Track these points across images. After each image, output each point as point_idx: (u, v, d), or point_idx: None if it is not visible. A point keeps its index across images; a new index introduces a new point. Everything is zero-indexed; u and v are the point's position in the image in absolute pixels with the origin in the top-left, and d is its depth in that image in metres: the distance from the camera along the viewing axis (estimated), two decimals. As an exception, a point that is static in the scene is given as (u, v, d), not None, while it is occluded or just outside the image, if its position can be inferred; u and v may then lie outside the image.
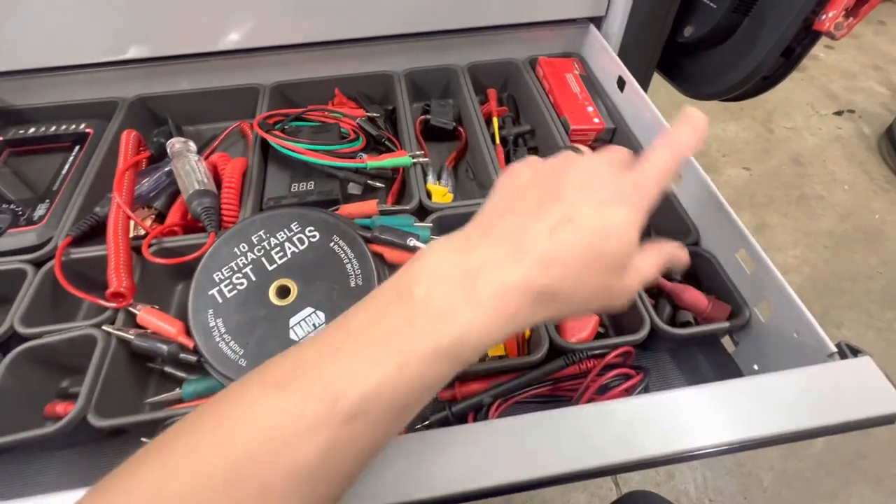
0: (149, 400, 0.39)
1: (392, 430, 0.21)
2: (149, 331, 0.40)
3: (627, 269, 0.25)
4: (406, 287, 0.22)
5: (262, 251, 0.41)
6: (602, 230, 0.23)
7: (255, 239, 0.41)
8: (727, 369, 0.43)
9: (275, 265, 0.40)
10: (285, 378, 0.20)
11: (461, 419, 0.39)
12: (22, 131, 0.57)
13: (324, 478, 0.18)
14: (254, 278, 0.40)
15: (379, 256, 0.43)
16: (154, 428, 0.35)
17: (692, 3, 0.59)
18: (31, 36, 0.56)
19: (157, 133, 0.60)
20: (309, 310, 0.39)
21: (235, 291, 0.39)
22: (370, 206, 0.47)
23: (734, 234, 0.41)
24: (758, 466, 0.94)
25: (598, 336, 0.43)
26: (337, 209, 0.47)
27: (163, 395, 0.38)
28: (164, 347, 0.37)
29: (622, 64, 0.56)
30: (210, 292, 0.39)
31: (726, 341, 0.45)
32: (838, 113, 1.70)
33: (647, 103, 0.52)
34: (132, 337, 0.38)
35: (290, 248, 0.41)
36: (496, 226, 0.24)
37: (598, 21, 0.64)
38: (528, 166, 0.28)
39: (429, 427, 0.39)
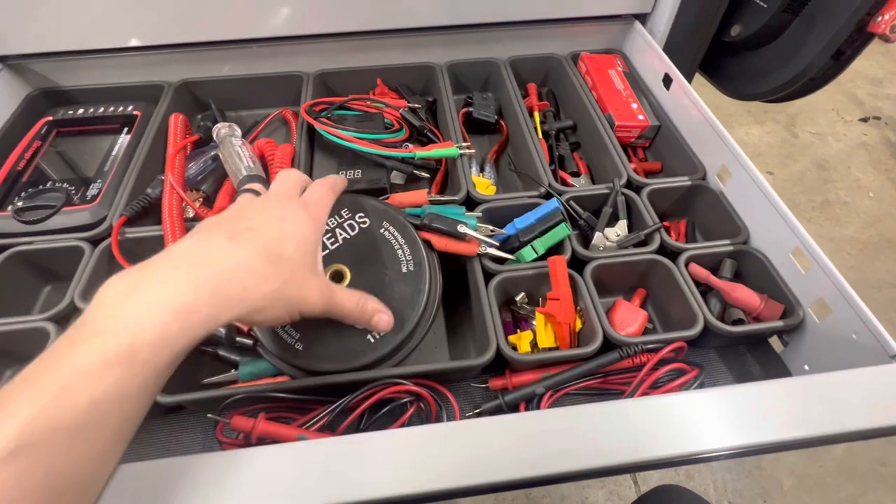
0: (206, 380, 0.39)
1: (91, 449, 0.20)
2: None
3: (318, 277, 0.30)
4: (80, 321, 0.23)
5: None
6: (280, 235, 0.29)
7: None
8: (775, 368, 0.43)
9: (327, 251, 0.41)
10: None
11: (513, 408, 0.39)
12: (70, 112, 0.58)
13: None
14: None
15: (427, 243, 0.43)
16: (212, 405, 0.36)
17: (741, 2, 0.58)
18: (79, 18, 0.57)
19: (202, 118, 0.61)
20: (364, 295, 0.39)
21: None
22: (420, 195, 0.47)
23: (789, 234, 0.41)
24: (778, 470, 0.94)
25: (646, 332, 0.44)
26: (386, 198, 0.47)
27: (220, 376, 0.39)
28: (223, 331, 0.38)
29: (669, 61, 0.56)
30: None
31: (773, 341, 0.45)
32: (864, 119, 1.68)
33: (696, 101, 0.52)
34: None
35: (341, 234, 0.42)
36: (176, 247, 0.26)
37: (642, 18, 0.63)
38: (213, 217, 0.31)
39: (480, 415, 0.39)
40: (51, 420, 0.19)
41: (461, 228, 0.42)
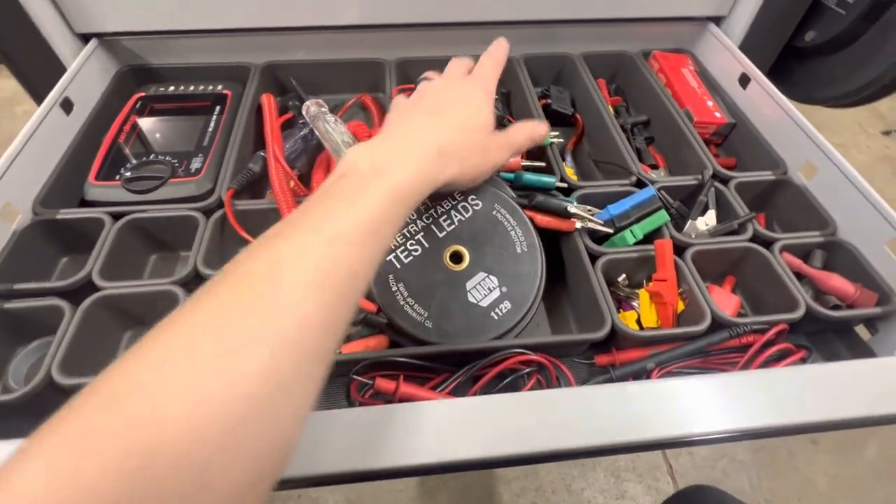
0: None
1: (366, 253, 0.26)
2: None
3: (496, 136, 0.37)
4: (351, 168, 0.29)
5: (431, 219, 0.43)
6: (466, 114, 0.35)
7: (422, 207, 0.43)
8: (864, 355, 0.44)
9: (444, 232, 0.42)
10: (281, 231, 0.25)
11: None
12: (162, 89, 0.59)
13: (320, 287, 0.23)
14: (427, 245, 0.42)
15: (530, 220, 0.44)
16: (341, 368, 0.37)
17: (818, 9, 0.60)
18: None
19: (287, 97, 0.62)
20: (482, 274, 0.41)
21: (412, 258, 0.41)
22: (515, 160, 0.49)
23: (884, 225, 0.43)
24: (812, 471, 0.96)
25: (739, 317, 0.45)
26: None
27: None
28: (360, 315, 0.39)
29: (749, 62, 0.58)
30: (388, 258, 0.41)
31: (860, 330, 0.46)
32: (886, 133, 1.72)
33: (780, 100, 0.54)
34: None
35: (456, 216, 0.43)
36: (392, 126, 0.35)
37: (716, 20, 0.65)
38: (403, 97, 0.40)
39: (590, 389, 0.41)
40: (357, 225, 0.26)
41: (571, 209, 0.44)
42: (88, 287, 0.41)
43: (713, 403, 0.31)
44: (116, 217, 0.46)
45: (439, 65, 0.66)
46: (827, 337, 0.46)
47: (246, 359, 0.19)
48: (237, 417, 0.18)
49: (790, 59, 0.66)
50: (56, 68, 0.55)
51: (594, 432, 0.29)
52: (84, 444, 0.16)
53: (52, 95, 0.50)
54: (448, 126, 0.34)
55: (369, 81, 0.65)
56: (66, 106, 0.52)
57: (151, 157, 0.51)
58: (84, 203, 0.49)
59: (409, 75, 0.66)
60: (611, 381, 0.40)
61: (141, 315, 0.43)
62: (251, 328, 0.20)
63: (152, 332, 0.20)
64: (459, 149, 0.33)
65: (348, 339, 0.40)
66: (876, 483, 0.95)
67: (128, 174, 0.49)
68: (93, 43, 0.58)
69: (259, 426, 0.19)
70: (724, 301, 0.44)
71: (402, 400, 0.34)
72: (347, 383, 0.36)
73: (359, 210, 0.26)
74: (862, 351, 0.45)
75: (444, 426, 0.29)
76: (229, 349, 0.19)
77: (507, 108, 0.64)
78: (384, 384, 0.34)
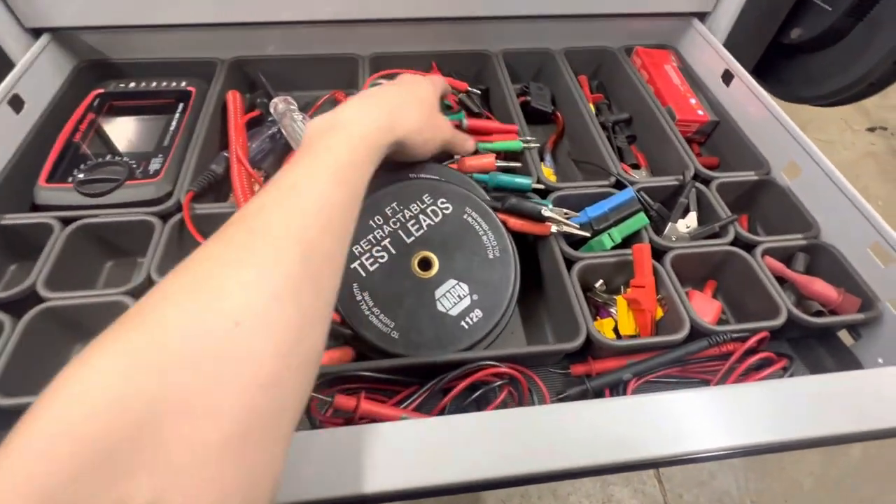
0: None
1: (336, 196, 0.27)
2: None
3: (442, 116, 0.42)
4: (311, 133, 0.31)
5: (398, 224, 0.41)
6: (415, 90, 0.39)
7: (388, 211, 0.41)
8: (847, 361, 0.43)
9: (412, 238, 0.40)
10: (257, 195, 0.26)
11: (598, 394, 0.39)
12: (122, 85, 0.57)
13: (328, 212, 0.25)
14: (394, 251, 0.40)
15: (502, 223, 0.43)
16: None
17: (804, 5, 0.59)
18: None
19: (255, 95, 0.60)
20: (452, 281, 0.39)
21: (377, 265, 0.39)
22: (489, 161, 0.47)
23: (868, 228, 0.42)
24: (798, 472, 0.95)
25: (720, 323, 0.44)
26: (454, 162, 0.47)
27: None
28: None
29: (732, 58, 0.56)
30: (352, 266, 0.39)
31: (843, 334, 0.45)
32: (871, 129, 1.72)
33: (763, 98, 0.52)
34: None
35: (425, 221, 0.41)
36: (345, 104, 0.35)
37: (701, 16, 0.64)
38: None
39: (564, 399, 0.39)
40: (325, 169, 0.27)
41: (545, 212, 0.42)
42: (32, 298, 0.38)
43: (698, 420, 0.30)
44: (67, 222, 0.43)
45: (416, 60, 0.65)
46: (809, 343, 0.45)
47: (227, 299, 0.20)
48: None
49: (776, 57, 0.65)
50: (4, 64, 0.52)
51: (566, 455, 0.27)
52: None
53: (-1, 93, 0.47)
54: (399, 94, 0.37)
55: (343, 77, 0.62)
56: (16, 103, 0.49)
57: (108, 157, 0.48)
58: (35, 207, 0.46)
59: (383, 69, 0.63)
60: (586, 392, 0.38)
61: (92, 328, 0.40)
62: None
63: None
64: (411, 111, 0.36)
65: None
66: (861, 482, 0.95)
67: (81, 176, 0.46)
68: (45, 38, 0.55)
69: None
70: (704, 307, 0.43)
71: (364, 418, 0.32)
72: (308, 399, 0.34)
73: (321, 158, 0.28)
74: (845, 358, 0.43)
75: (408, 449, 0.27)
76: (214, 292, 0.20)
77: (486, 105, 0.62)
78: (344, 402, 0.32)
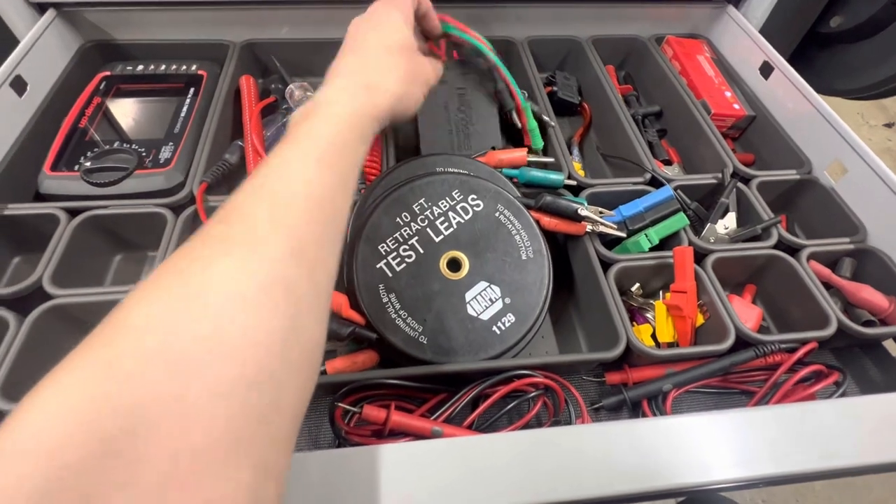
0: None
1: (326, 178, 0.25)
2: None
3: (419, 56, 0.37)
4: (290, 124, 0.28)
5: (426, 221, 0.38)
6: (381, 35, 0.35)
7: (416, 208, 0.39)
8: (894, 373, 0.41)
9: (441, 236, 0.38)
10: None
11: (636, 404, 0.37)
12: (130, 68, 0.54)
13: (315, 198, 0.24)
14: (422, 250, 0.37)
15: (536, 223, 0.40)
16: (326, 390, 0.33)
17: (846, -8, 0.56)
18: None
19: (269, 80, 0.57)
20: (483, 283, 0.37)
21: (404, 265, 0.37)
22: (520, 156, 0.44)
23: (922, 234, 0.39)
24: (810, 471, 0.94)
25: (760, 330, 0.42)
26: (483, 154, 0.44)
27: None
28: (347, 329, 0.34)
29: (772, 49, 0.53)
30: (378, 265, 0.36)
31: (888, 344, 0.43)
32: (888, 125, 1.68)
33: (807, 92, 0.49)
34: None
35: (454, 218, 0.39)
36: (328, 80, 0.32)
37: (735, 3, 0.60)
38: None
39: (600, 409, 0.37)
40: (308, 153, 0.25)
41: (582, 211, 0.39)
42: (38, 294, 0.36)
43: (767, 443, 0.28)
44: (73, 213, 0.41)
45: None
46: (853, 352, 0.43)
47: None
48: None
49: (811, 47, 0.62)
50: (7, 42, 0.49)
51: (609, 481, 0.25)
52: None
53: (1, 73, 0.45)
54: (368, 59, 0.34)
55: (360, 63, 0.59)
56: (18, 85, 0.46)
57: (115, 145, 0.46)
58: (39, 196, 0.43)
59: (403, 57, 0.60)
60: (623, 402, 0.36)
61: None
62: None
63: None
64: (386, 77, 0.33)
65: (333, 354, 0.36)
66: (874, 484, 0.94)
67: (88, 164, 0.44)
68: (50, 13, 0.52)
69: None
70: (744, 313, 0.41)
71: (393, 431, 0.30)
72: (332, 407, 0.32)
73: (302, 144, 0.26)
74: (890, 368, 0.41)
75: (439, 470, 0.25)
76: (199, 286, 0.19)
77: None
78: (373, 412, 0.30)
